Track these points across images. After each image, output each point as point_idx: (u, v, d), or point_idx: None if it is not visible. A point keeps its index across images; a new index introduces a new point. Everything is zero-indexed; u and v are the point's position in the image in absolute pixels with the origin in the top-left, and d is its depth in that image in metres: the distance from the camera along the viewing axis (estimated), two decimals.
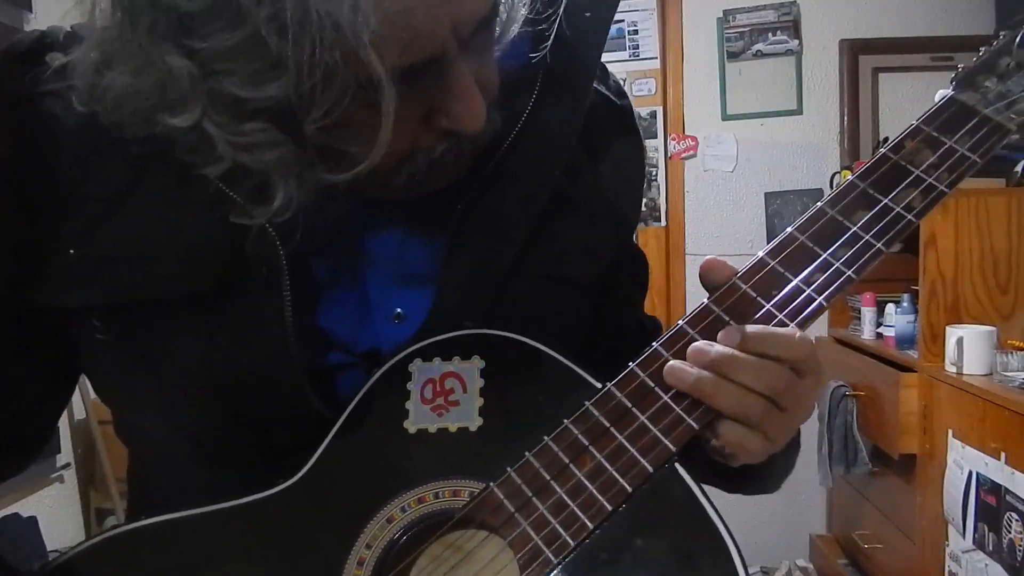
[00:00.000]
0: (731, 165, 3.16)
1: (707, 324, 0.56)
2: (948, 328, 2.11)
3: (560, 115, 0.64)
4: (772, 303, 0.56)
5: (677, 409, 0.54)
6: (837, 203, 0.59)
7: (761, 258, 0.58)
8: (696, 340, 0.56)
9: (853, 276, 0.56)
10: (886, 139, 2.84)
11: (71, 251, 0.57)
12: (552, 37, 0.62)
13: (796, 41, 3.07)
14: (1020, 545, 1.74)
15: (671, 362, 0.55)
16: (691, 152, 3.18)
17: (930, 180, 0.58)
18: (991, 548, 1.84)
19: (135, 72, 0.50)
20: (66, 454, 2.64)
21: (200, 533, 0.57)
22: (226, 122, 0.50)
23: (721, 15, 3.12)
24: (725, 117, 3.15)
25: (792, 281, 0.56)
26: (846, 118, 3.05)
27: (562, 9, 0.62)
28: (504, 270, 0.62)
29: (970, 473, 1.93)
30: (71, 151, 0.58)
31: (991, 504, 1.84)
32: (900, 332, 2.41)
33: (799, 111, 3.10)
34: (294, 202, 0.54)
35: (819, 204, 0.59)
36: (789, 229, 0.58)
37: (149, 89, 0.50)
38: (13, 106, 0.58)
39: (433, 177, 0.58)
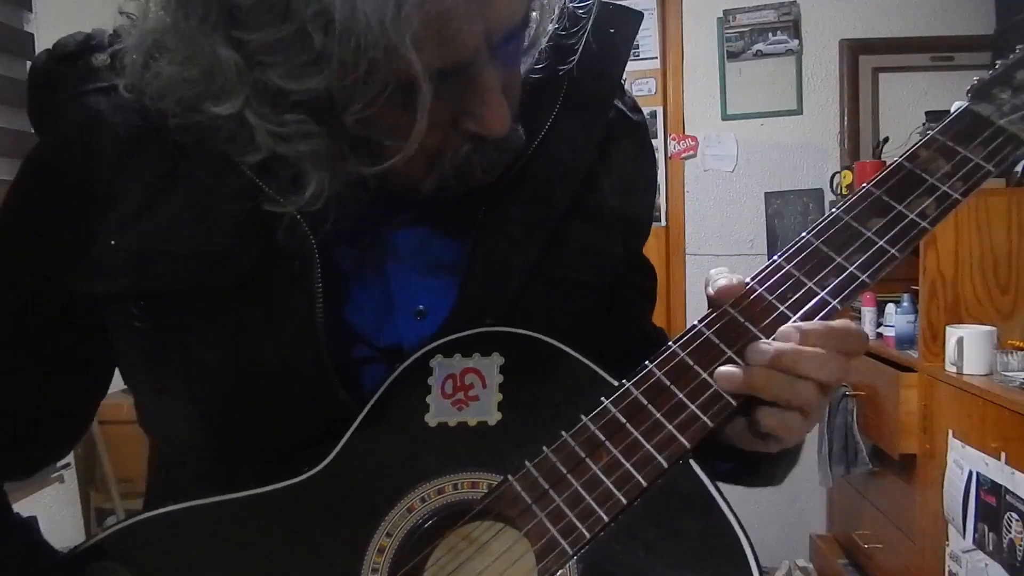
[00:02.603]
0: (731, 165, 3.16)
1: (723, 325, 0.57)
2: (948, 328, 2.11)
3: (582, 126, 0.67)
4: (786, 305, 0.57)
5: (692, 407, 0.55)
6: (852, 209, 0.60)
7: (777, 262, 0.59)
8: (712, 341, 0.57)
9: (867, 281, 0.57)
10: (886, 139, 2.86)
11: (112, 242, 0.60)
12: (579, 52, 0.64)
13: (796, 41, 3.07)
14: (1020, 545, 1.74)
15: (720, 369, 0.56)
16: (691, 152, 3.18)
17: (944, 188, 0.59)
18: (991, 548, 1.84)
19: (184, 61, 0.53)
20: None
21: (225, 520, 0.58)
22: (267, 112, 0.53)
23: (721, 15, 3.12)
24: (725, 117, 3.15)
25: (806, 285, 0.57)
26: (846, 118, 3.05)
27: (590, 24, 0.65)
28: (523, 272, 0.64)
29: (970, 473, 1.93)
30: (114, 148, 0.60)
31: (991, 504, 1.84)
32: (900, 332, 2.41)
33: (799, 111, 3.10)
34: (325, 192, 0.56)
35: (835, 210, 0.60)
36: (804, 235, 0.60)
37: (196, 78, 0.53)
38: (60, 105, 0.61)
39: (461, 182, 0.60)
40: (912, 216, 0.58)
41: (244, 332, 0.60)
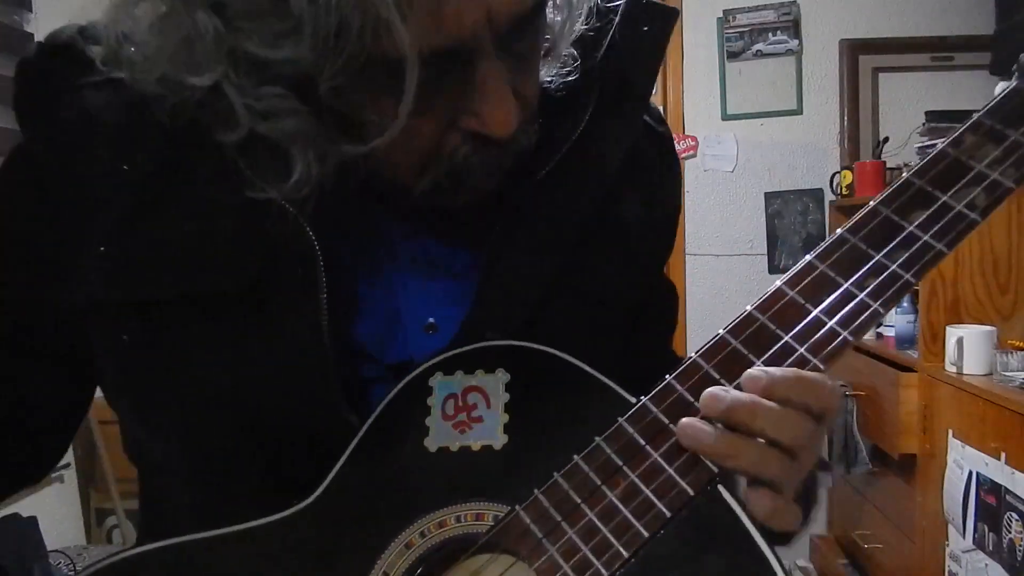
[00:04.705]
0: (731, 165, 3.16)
1: (751, 333, 0.53)
2: (948, 328, 2.11)
3: (611, 133, 0.63)
4: (820, 309, 0.52)
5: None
6: (892, 202, 0.54)
7: (809, 261, 0.54)
8: (740, 352, 0.51)
9: (912, 280, 0.52)
10: (886, 139, 2.85)
11: (102, 249, 0.56)
12: (605, 50, 0.61)
13: (796, 41, 3.07)
14: (1020, 545, 1.74)
15: (683, 421, 0.50)
16: (691, 152, 3.18)
17: (995, 176, 0.53)
18: (991, 548, 1.84)
19: (161, 29, 0.50)
20: (66, 454, 2.64)
21: (212, 558, 0.53)
22: (245, 84, 0.50)
23: (721, 15, 3.11)
24: (725, 117, 3.15)
25: (842, 286, 0.52)
26: (846, 118, 3.05)
27: (618, 20, 0.61)
28: (543, 288, 0.60)
29: (970, 473, 1.93)
30: (107, 148, 0.56)
31: (991, 504, 1.84)
32: (900, 332, 2.41)
33: (799, 111, 3.10)
34: (312, 178, 0.52)
35: (872, 203, 0.55)
36: (839, 231, 0.55)
37: (174, 48, 0.50)
38: (52, 101, 0.57)
39: (458, 188, 0.56)
40: (960, 207, 0.52)
41: (243, 346, 0.55)
